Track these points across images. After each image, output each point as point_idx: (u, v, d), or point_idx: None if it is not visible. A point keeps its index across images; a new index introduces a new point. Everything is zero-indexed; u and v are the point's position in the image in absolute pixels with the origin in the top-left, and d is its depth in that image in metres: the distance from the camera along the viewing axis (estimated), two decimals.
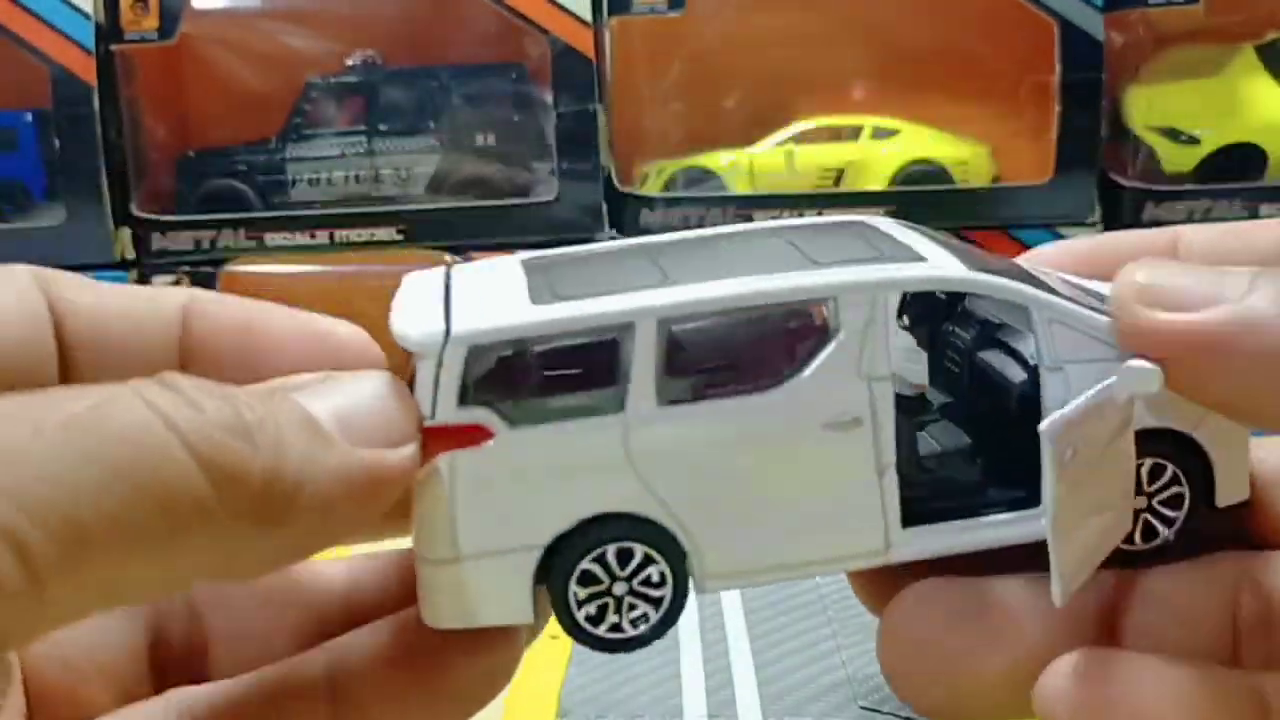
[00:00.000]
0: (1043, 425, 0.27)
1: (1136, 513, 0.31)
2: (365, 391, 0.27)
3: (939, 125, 0.94)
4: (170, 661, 0.31)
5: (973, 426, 0.34)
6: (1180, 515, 0.31)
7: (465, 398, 0.28)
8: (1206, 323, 0.27)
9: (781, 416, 0.29)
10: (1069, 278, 0.33)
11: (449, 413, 0.28)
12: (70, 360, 0.28)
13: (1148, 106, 0.91)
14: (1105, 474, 0.29)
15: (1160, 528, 0.31)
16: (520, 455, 0.29)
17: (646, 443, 0.29)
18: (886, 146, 0.92)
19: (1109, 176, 0.88)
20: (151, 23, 0.93)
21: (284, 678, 0.29)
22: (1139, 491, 0.31)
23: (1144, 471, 0.31)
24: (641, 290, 0.29)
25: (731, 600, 0.63)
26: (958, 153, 0.92)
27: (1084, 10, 0.86)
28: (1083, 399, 0.28)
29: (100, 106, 0.91)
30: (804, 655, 0.58)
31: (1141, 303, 0.28)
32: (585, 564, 0.30)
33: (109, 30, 0.92)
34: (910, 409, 0.33)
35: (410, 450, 0.27)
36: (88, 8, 0.91)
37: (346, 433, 0.25)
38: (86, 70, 0.91)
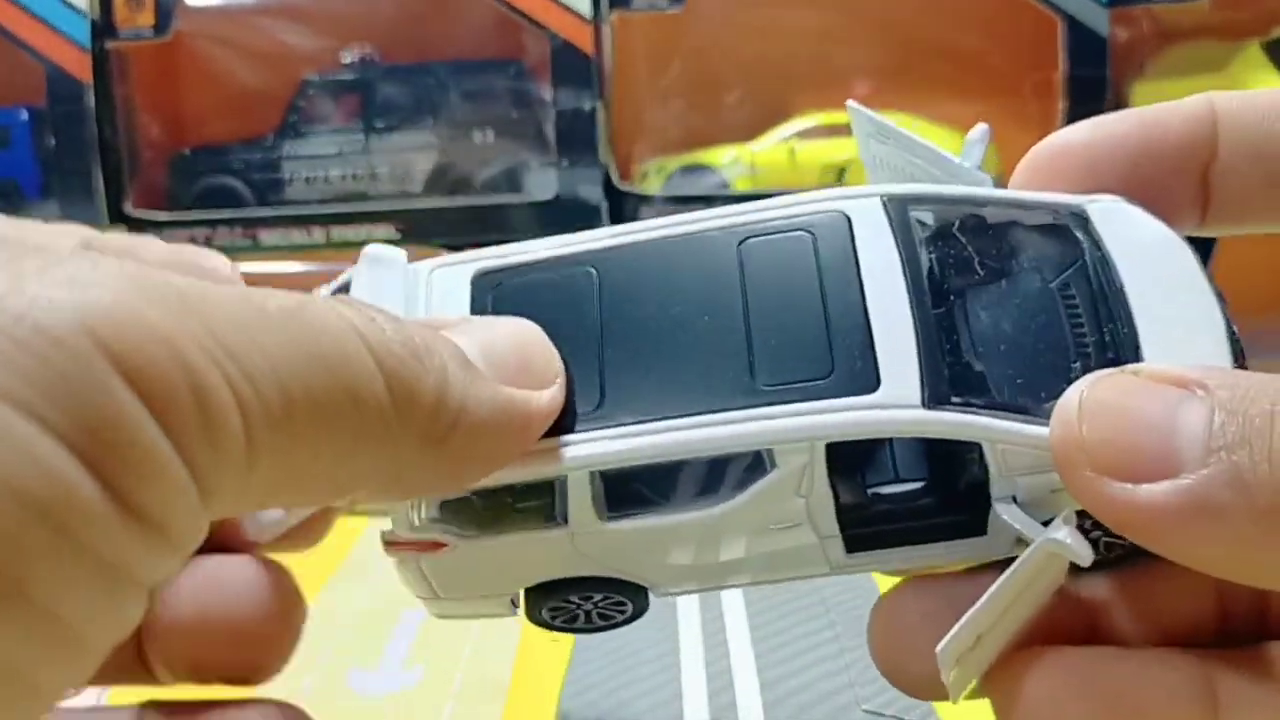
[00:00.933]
0: (939, 647, 0.26)
1: (1093, 541, 0.29)
2: (507, 334, 0.28)
3: (942, 121, 0.93)
4: None
5: (930, 454, 0.32)
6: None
7: (416, 523, 0.30)
8: (1158, 502, 0.24)
9: (722, 526, 0.30)
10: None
11: (404, 531, 0.30)
12: None
13: (1153, 104, 0.90)
14: (1022, 606, 0.28)
15: (1113, 543, 0.30)
16: (477, 555, 0.30)
17: (592, 544, 0.30)
18: None
19: None
20: (146, 19, 0.92)
21: None
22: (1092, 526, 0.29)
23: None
24: (575, 431, 0.29)
25: (733, 604, 0.63)
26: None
27: (1088, 6, 0.86)
28: (989, 595, 0.26)
29: (95, 104, 0.91)
30: (806, 659, 0.57)
31: (1086, 465, 0.26)
32: (552, 603, 0.32)
33: (103, 27, 0.91)
34: None
35: (553, 392, 0.28)
36: (82, 4, 0.90)
37: (492, 371, 0.26)
38: (81, 67, 0.90)
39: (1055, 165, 0.33)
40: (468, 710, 0.55)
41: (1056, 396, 0.27)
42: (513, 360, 0.27)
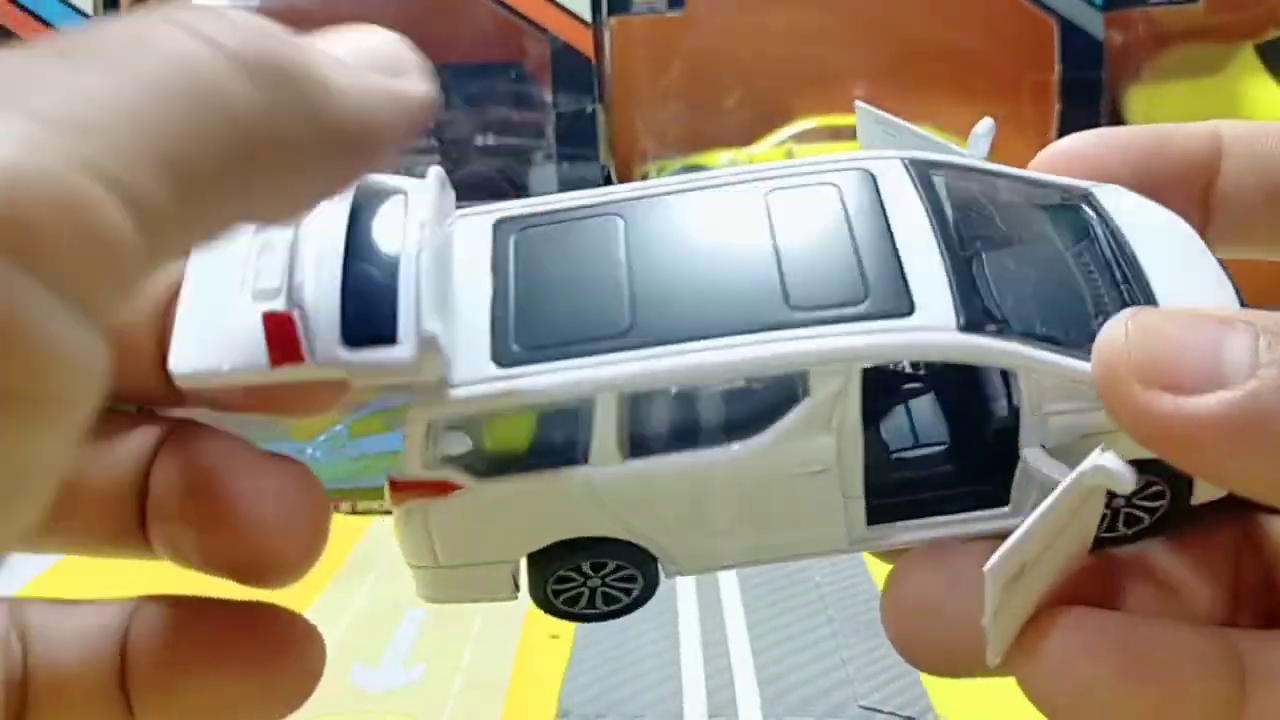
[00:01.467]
0: (988, 565, 0.26)
1: (1115, 511, 0.30)
2: (374, 38, 0.25)
3: (938, 124, 0.93)
4: None
5: (951, 420, 0.32)
6: (1159, 508, 0.30)
7: (429, 457, 0.29)
8: (1208, 412, 0.24)
9: (748, 469, 0.29)
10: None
11: (415, 469, 0.29)
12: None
13: (1148, 106, 0.90)
14: (1060, 548, 0.28)
15: (1138, 517, 0.30)
16: (489, 502, 0.29)
17: (611, 489, 0.29)
18: None
19: None
20: None
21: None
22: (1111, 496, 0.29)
23: None
24: (604, 353, 0.28)
25: (732, 600, 0.63)
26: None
27: (1084, 9, 0.86)
28: (1035, 517, 0.26)
29: None
30: (805, 655, 0.57)
31: (1134, 379, 0.26)
32: (560, 572, 0.31)
33: None
34: (898, 383, 0.32)
35: (431, 86, 0.25)
36: (87, 7, 0.91)
37: (367, 66, 0.24)
38: None
39: (1059, 168, 0.33)
40: (468, 708, 0.55)
41: (1084, 341, 0.27)
42: (385, 59, 0.25)
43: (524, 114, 0.94)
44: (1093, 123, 0.86)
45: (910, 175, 0.31)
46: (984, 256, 0.30)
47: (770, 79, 0.95)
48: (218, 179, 0.20)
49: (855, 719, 0.53)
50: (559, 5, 0.88)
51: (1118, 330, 0.26)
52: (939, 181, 0.31)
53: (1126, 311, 0.27)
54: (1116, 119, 0.90)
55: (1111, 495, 0.28)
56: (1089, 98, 0.87)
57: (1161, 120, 0.95)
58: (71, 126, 0.17)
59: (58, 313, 0.17)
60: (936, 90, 0.94)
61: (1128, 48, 0.90)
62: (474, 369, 0.28)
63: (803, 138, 0.93)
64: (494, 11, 0.90)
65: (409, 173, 0.99)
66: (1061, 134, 0.89)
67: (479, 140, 0.94)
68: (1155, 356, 0.25)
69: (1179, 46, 0.92)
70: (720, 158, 0.93)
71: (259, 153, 0.21)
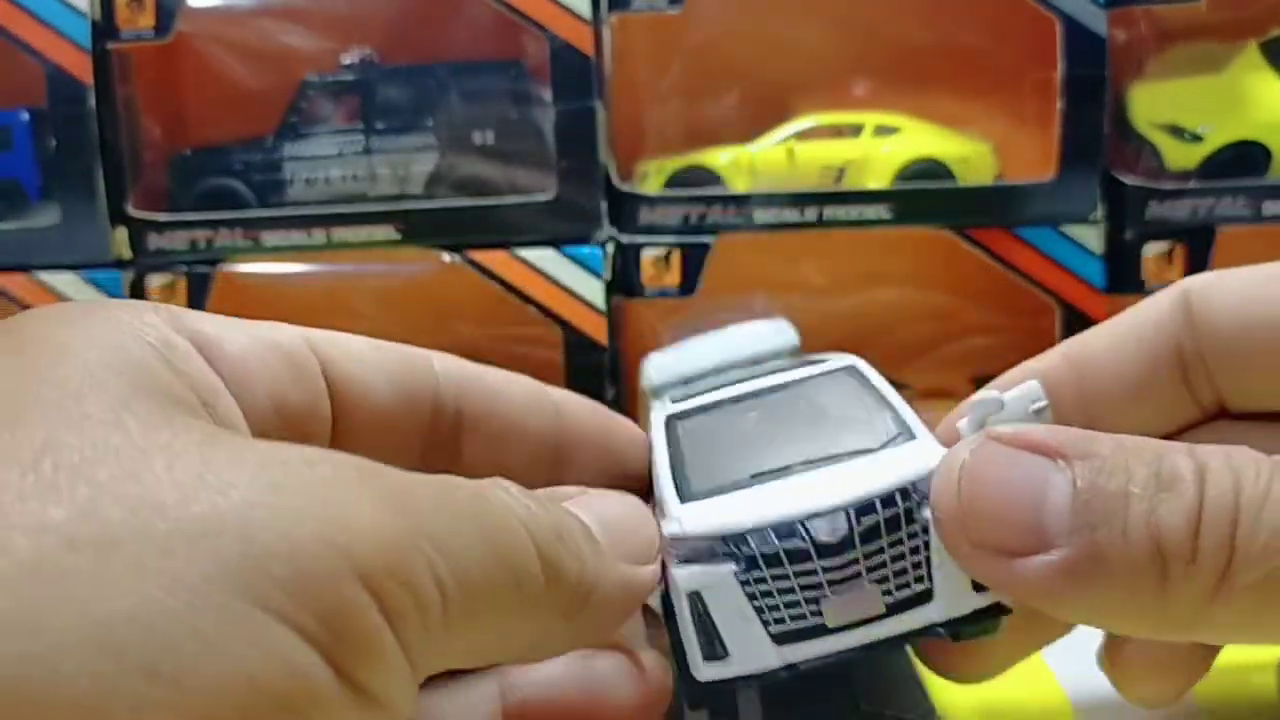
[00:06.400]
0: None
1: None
2: (621, 510, 0.32)
3: (941, 122, 0.93)
4: None
5: None
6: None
7: None
8: (1029, 576, 0.28)
9: None
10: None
11: None
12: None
13: (1151, 103, 0.90)
14: None
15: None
16: None
17: None
18: (888, 144, 0.91)
19: (1112, 174, 0.88)
20: (147, 21, 0.92)
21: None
22: None
23: None
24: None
25: None
26: (960, 150, 0.91)
27: (1087, 6, 0.86)
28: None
29: (96, 105, 0.90)
30: None
31: (966, 540, 0.30)
32: None
33: (105, 28, 0.91)
34: None
35: (655, 568, 0.32)
36: (83, 5, 0.90)
37: (610, 546, 0.30)
38: (82, 69, 0.90)
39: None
40: None
41: None
42: (627, 536, 0.31)
43: (523, 112, 0.94)
44: (1096, 121, 0.86)
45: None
46: None
47: (771, 76, 0.95)
48: (493, 621, 0.25)
49: None
50: (558, 3, 0.88)
51: (952, 481, 0.30)
52: None
53: (961, 451, 0.30)
54: (1119, 117, 0.89)
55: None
56: (1092, 95, 0.86)
57: (1165, 117, 0.94)
58: (422, 527, 0.23)
59: (386, 632, 0.22)
60: (939, 88, 0.93)
61: (1131, 45, 0.89)
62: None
63: (804, 136, 0.93)
64: (492, 9, 0.90)
65: (408, 169, 0.98)
66: (1064, 132, 0.88)
67: (477, 139, 0.94)
68: (984, 517, 0.29)
69: (1183, 44, 0.92)
70: (720, 156, 0.93)
71: (524, 612, 0.26)
